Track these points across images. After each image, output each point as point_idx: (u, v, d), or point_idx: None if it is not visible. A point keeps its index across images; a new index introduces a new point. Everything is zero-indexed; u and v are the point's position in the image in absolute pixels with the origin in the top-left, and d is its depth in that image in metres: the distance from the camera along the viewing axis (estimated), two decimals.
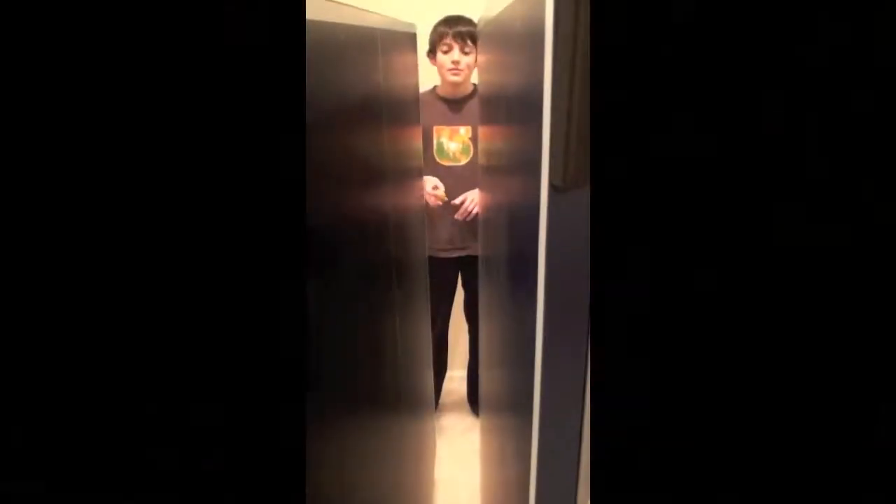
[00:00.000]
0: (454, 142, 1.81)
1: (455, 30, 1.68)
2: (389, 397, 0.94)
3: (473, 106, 1.78)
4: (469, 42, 1.69)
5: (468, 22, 1.70)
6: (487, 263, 1.23)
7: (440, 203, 1.78)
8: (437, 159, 1.81)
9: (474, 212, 1.75)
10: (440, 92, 1.82)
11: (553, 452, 0.49)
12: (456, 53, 1.70)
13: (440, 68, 1.75)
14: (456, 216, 1.78)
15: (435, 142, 1.80)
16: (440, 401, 2.22)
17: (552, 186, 0.41)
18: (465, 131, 1.80)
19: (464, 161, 1.81)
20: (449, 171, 1.81)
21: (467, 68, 1.73)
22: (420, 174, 1.66)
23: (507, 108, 0.74)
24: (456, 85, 1.76)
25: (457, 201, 1.77)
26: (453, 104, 1.80)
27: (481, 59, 1.40)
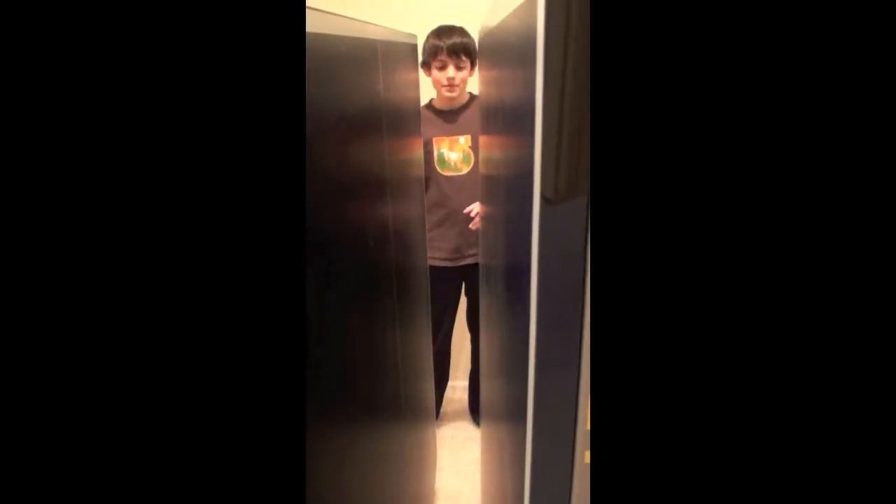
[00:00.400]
0: (454, 151, 1.82)
1: (449, 44, 1.67)
2: (389, 406, 0.94)
3: (470, 114, 1.79)
4: (463, 56, 1.69)
5: (461, 32, 1.69)
6: (486, 273, 1.23)
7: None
8: (439, 170, 1.82)
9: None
10: (436, 105, 1.83)
11: (546, 462, 0.49)
12: (451, 71, 1.70)
13: (435, 83, 1.76)
14: (471, 227, 1.79)
15: (436, 153, 1.81)
16: (441, 410, 2.22)
17: (543, 198, 0.41)
18: (464, 140, 1.81)
19: (465, 170, 1.82)
20: (451, 181, 1.82)
21: (462, 82, 1.74)
22: (421, 184, 1.67)
23: (504, 119, 0.74)
24: (452, 99, 1.77)
25: (466, 211, 1.78)
26: (450, 115, 1.81)
27: (481, 69, 1.41)
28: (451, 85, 1.72)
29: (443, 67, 1.70)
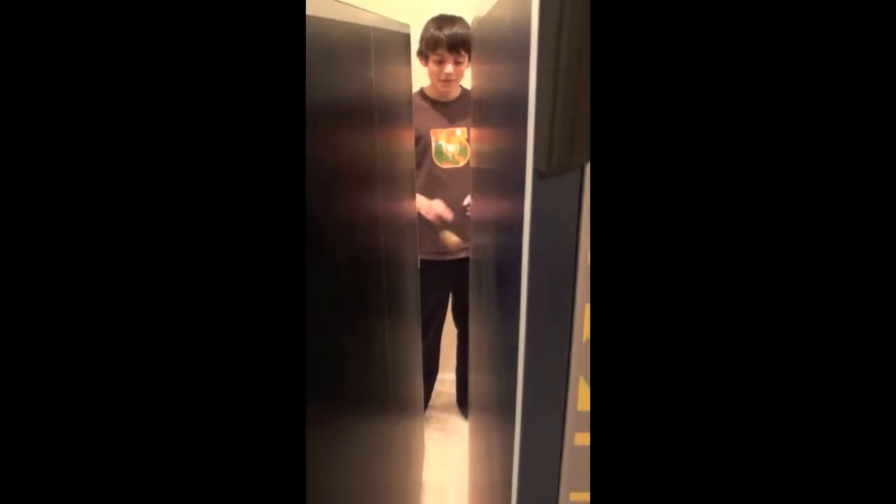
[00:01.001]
0: (452, 143, 1.81)
1: (449, 37, 1.65)
2: (378, 399, 0.93)
3: (465, 106, 1.78)
4: (462, 51, 1.68)
5: (461, 23, 1.68)
6: (477, 266, 1.23)
7: (447, 220, 1.77)
8: (437, 162, 1.81)
9: None
10: (429, 93, 1.81)
11: (535, 453, 0.48)
12: (449, 67, 1.69)
13: (431, 75, 1.75)
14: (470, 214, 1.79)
15: (433, 145, 1.79)
16: (429, 403, 2.22)
17: (537, 172, 0.40)
18: (461, 132, 1.80)
19: (462, 162, 1.81)
20: (449, 173, 1.81)
21: (458, 75, 1.73)
22: (412, 176, 1.66)
23: (497, 105, 0.74)
24: (447, 92, 1.77)
25: (465, 203, 1.78)
26: (444, 106, 1.80)
27: (474, 60, 1.40)
28: (447, 80, 1.71)
29: (441, 62, 1.69)
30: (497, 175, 0.74)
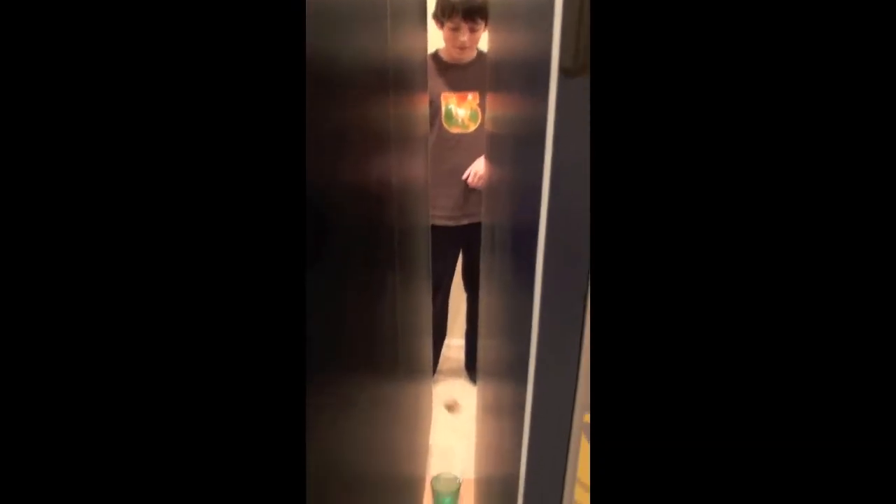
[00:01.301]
0: (462, 108, 1.78)
1: (464, 1, 1.61)
2: (387, 363, 0.94)
3: (479, 71, 1.75)
4: (478, 19, 1.64)
5: None
6: (491, 231, 1.22)
7: None
8: (446, 126, 1.78)
9: (479, 181, 1.74)
10: (444, 56, 1.78)
11: (550, 372, 0.47)
12: (464, 34, 1.65)
13: (446, 40, 1.71)
14: (469, 182, 1.78)
15: (443, 108, 1.77)
16: (438, 368, 2.24)
17: (562, 70, 0.38)
18: (472, 97, 1.77)
19: (472, 128, 1.79)
20: (458, 138, 1.79)
21: (473, 42, 1.69)
22: (426, 140, 1.64)
23: (515, 64, 0.71)
24: (461, 57, 1.73)
25: (464, 177, 1.77)
26: (458, 70, 1.77)
27: (492, 26, 1.36)
28: (462, 48, 1.68)
29: (456, 29, 1.65)
30: (512, 139, 0.72)
